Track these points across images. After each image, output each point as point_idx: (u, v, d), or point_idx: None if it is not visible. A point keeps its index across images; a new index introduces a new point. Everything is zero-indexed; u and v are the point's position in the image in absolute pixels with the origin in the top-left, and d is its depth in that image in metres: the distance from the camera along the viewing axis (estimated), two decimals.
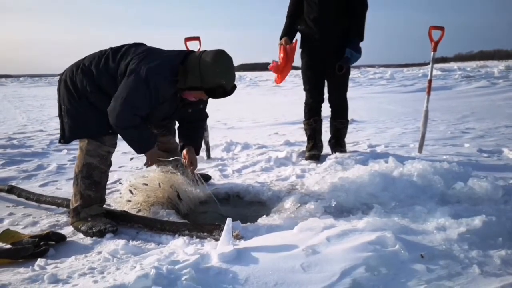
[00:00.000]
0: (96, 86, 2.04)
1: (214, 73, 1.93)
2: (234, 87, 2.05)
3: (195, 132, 2.45)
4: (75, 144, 4.51)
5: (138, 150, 2.16)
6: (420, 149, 3.52)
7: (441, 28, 3.38)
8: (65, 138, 2.11)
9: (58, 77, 2.21)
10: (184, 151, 2.36)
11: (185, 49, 3.12)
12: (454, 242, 1.48)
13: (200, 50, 2.13)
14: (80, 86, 2.04)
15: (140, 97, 1.95)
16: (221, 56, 1.96)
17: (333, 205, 2.10)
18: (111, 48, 2.13)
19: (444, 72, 16.68)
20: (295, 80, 19.57)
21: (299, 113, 6.18)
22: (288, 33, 3.24)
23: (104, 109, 2.01)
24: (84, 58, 2.15)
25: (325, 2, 3.12)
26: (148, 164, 2.22)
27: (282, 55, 3.10)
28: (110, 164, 2.17)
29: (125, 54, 2.06)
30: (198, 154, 2.46)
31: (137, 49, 2.07)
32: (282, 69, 3.12)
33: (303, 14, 3.26)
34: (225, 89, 1.98)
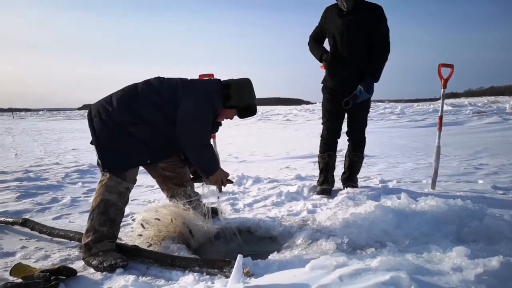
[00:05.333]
0: (137, 116, 2.13)
1: (250, 95, 2.35)
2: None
3: None
4: (90, 177, 4.59)
5: (212, 169, 2.31)
6: (433, 185, 3.47)
7: (451, 66, 3.43)
8: (108, 167, 2.11)
9: (85, 113, 2.29)
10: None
11: None
12: (471, 284, 1.43)
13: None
14: (118, 119, 2.11)
15: (206, 112, 2.19)
16: (250, 82, 2.39)
17: (345, 242, 2.06)
18: (142, 82, 2.27)
19: (455, 107, 16.68)
20: (306, 115, 19.79)
21: (310, 147, 6.18)
22: (324, 51, 3.31)
23: (143, 139, 2.13)
24: (111, 95, 2.22)
25: (350, 43, 3.14)
26: (219, 184, 2.39)
27: None
28: (127, 201, 2.19)
29: (162, 84, 2.23)
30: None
31: (173, 79, 2.30)
32: None
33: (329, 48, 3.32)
34: (255, 108, 2.40)
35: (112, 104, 2.15)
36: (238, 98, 2.31)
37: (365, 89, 3.07)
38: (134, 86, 2.24)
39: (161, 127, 2.16)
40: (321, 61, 3.32)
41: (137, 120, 2.13)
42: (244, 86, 2.35)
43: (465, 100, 26.92)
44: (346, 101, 3.10)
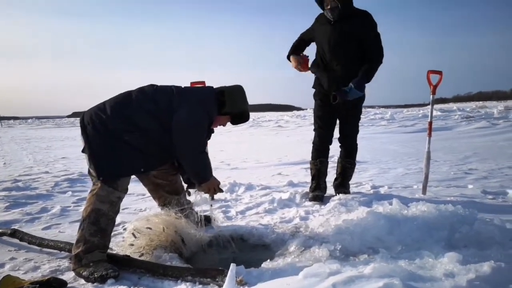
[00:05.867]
0: (131, 124, 2.12)
1: (243, 101, 2.39)
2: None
3: None
4: (80, 186, 4.53)
5: (206, 177, 2.32)
6: (424, 190, 3.50)
7: (439, 72, 3.48)
8: (104, 175, 2.08)
9: (75, 120, 2.27)
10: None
11: None
12: None
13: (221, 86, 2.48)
14: (111, 126, 2.10)
15: (201, 119, 2.20)
16: (243, 89, 2.43)
17: (338, 249, 2.07)
18: (136, 90, 2.26)
19: (444, 112, 16.90)
20: (297, 121, 19.87)
21: (302, 153, 6.20)
22: (293, 52, 3.38)
23: (138, 146, 2.12)
24: (104, 102, 2.20)
25: (339, 51, 3.16)
26: (211, 192, 2.40)
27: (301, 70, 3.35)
28: (118, 211, 2.16)
29: (157, 92, 2.23)
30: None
31: (167, 86, 2.31)
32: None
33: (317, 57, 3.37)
34: (248, 115, 2.43)
35: (106, 112, 2.13)
36: (231, 104, 2.34)
37: (355, 85, 3.03)
38: (128, 94, 2.23)
39: (155, 134, 2.16)
40: (288, 59, 3.39)
41: (132, 128, 2.12)
42: (237, 92, 2.38)
43: (453, 105, 27.31)
44: (334, 96, 3.12)
